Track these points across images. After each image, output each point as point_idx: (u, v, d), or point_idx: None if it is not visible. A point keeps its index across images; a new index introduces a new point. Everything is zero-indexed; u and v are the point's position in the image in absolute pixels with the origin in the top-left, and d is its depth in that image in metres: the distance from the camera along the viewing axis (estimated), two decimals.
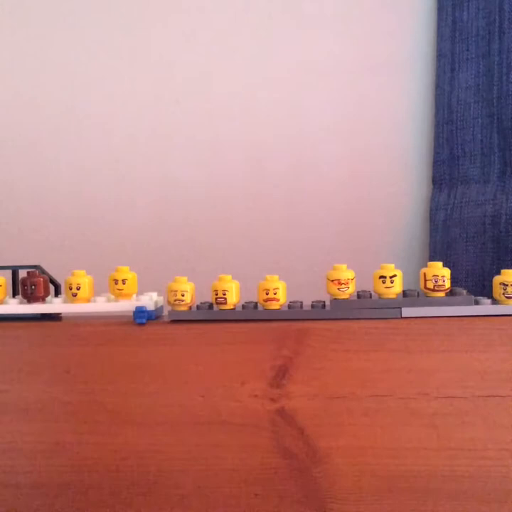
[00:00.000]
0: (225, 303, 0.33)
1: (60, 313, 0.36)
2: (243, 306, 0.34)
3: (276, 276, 0.34)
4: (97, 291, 0.36)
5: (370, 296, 0.33)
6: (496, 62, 0.45)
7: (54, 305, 0.35)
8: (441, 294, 0.33)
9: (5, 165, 0.55)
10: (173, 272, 0.36)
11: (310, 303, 0.34)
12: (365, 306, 0.33)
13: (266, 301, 0.33)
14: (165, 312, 0.36)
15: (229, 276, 0.34)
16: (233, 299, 0.34)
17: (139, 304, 0.34)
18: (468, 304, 0.32)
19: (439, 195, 0.49)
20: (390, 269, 0.33)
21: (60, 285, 0.37)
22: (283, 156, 0.53)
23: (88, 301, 0.35)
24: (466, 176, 0.48)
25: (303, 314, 0.33)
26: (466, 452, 0.32)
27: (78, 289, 0.34)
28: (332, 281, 0.33)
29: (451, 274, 0.33)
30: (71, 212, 0.55)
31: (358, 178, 0.53)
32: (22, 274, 0.36)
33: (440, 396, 0.32)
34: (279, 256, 0.53)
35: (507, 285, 0.32)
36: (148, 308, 0.34)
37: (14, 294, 0.37)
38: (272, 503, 0.33)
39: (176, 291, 0.34)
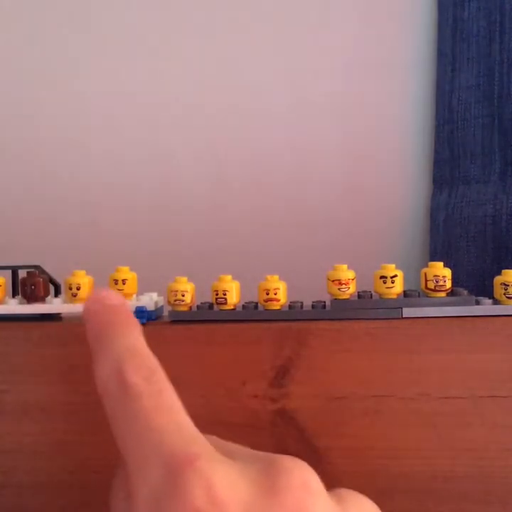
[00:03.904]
0: (226, 303, 0.33)
1: (60, 314, 0.36)
2: (243, 307, 0.34)
3: (276, 277, 0.34)
4: None
5: (371, 297, 0.33)
6: (497, 62, 0.45)
7: (54, 305, 0.35)
8: (442, 294, 0.33)
9: (4, 165, 0.55)
10: (173, 272, 0.36)
11: (310, 303, 0.34)
12: (366, 306, 0.33)
13: (266, 301, 0.33)
14: (165, 312, 0.36)
15: (229, 277, 0.34)
16: (233, 299, 0.33)
17: (139, 304, 0.34)
18: (469, 304, 0.32)
19: (440, 195, 0.49)
20: (390, 269, 0.33)
21: (60, 285, 0.37)
22: (283, 155, 0.53)
23: None
24: (467, 176, 0.48)
25: (303, 314, 0.33)
26: (467, 453, 0.32)
27: (78, 289, 0.34)
28: (332, 281, 0.33)
29: (452, 274, 0.33)
30: (71, 213, 0.55)
31: (358, 178, 0.53)
32: (22, 274, 0.36)
33: (441, 396, 0.32)
34: (280, 256, 0.53)
35: (508, 285, 0.32)
36: (148, 309, 0.34)
37: (14, 294, 0.37)
38: None
39: (176, 291, 0.34)
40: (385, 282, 0.33)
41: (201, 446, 0.20)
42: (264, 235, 0.53)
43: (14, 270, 0.37)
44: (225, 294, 0.33)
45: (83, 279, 0.34)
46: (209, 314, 0.34)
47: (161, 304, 0.36)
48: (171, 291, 0.34)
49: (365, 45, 0.52)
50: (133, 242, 0.54)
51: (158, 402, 0.21)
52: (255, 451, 0.22)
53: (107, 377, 0.22)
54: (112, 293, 0.25)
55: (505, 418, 0.31)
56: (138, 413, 0.21)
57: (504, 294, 0.32)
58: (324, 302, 0.34)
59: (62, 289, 0.36)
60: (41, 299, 0.35)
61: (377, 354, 0.32)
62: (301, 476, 0.19)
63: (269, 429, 0.32)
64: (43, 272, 0.36)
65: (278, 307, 0.33)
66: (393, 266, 0.33)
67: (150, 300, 0.35)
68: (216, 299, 0.33)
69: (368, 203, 0.52)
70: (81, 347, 0.33)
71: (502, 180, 0.46)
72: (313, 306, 0.34)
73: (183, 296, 0.34)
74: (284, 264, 0.52)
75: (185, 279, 0.34)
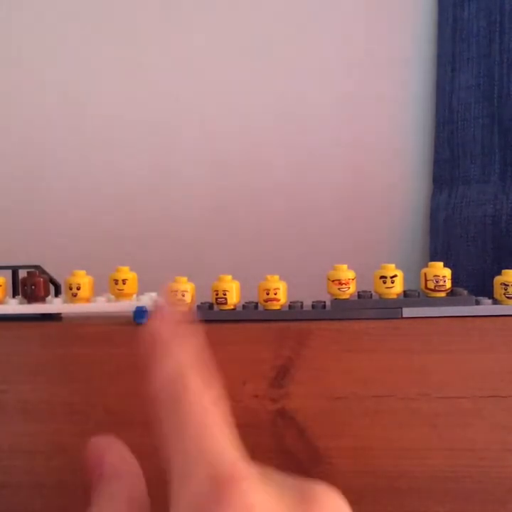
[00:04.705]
0: (226, 303, 0.33)
1: (60, 314, 0.36)
2: (243, 307, 0.34)
3: (276, 277, 0.34)
4: (97, 291, 0.35)
5: (371, 297, 0.33)
6: (496, 62, 0.45)
7: (54, 305, 0.35)
8: (442, 294, 0.33)
9: (4, 164, 0.55)
10: (173, 272, 0.36)
11: (310, 303, 0.34)
12: (366, 306, 0.33)
13: (266, 301, 0.33)
14: None
15: (229, 277, 0.34)
16: (233, 299, 0.33)
17: (139, 303, 0.34)
18: (469, 304, 0.32)
19: (440, 195, 0.49)
20: (390, 269, 0.33)
21: (60, 285, 0.37)
22: (283, 155, 0.53)
23: (88, 301, 0.35)
24: (467, 176, 0.48)
25: (303, 314, 0.33)
26: (467, 453, 0.32)
27: (78, 289, 0.34)
28: (333, 281, 0.33)
29: (452, 274, 0.33)
30: (71, 212, 0.55)
31: (358, 178, 0.53)
32: (22, 274, 0.36)
33: (441, 396, 0.32)
34: (280, 256, 0.53)
35: (508, 285, 0.32)
36: (148, 309, 0.34)
37: (14, 294, 0.37)
38: None
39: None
40: (384, 282, 0.33)
41: (246, 467, 0.20)
42: (264, 234, 0.53)
43: (14, 270, 0.37)
44: (225, 294, 0.33)
45: (83, 279, 0.34)
46: (209, 314, 0.34)
47: None
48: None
49: (365, 45, 0.52)
50: (133, 242, 0.54)
51: (212, 416, 0.22)
52: (288, 477, 0.23)
53: (166, 380, 0.23)
54: (176, 308, 0.26)
55: (505, 418, 0.31)
56: (192, 422, 0.21)
57: (504, 294, 0.32)
58: (324, 302, 0.34)
59: (63, 289, 0.36)
60: (41, 299, 0.35)
61: (377, 354, 0.32)
62: (333, 503, 0.20)
63: (269, 429, 0.32)
64: (43, 272, 0.36)
65: (278, 307, 0.33)
66: (393, 266, 0.33)
67: (150, 300, 0.35)
68: (216, 299, 0.33)
69: (368, 203, 0.52)
70: (81, 347, 0.34)
71: (502, 180, 0.46)
72: (313, 306, 0.34)
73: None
74: (284, 264, 0.52)
75: (185, 279, 0.34)
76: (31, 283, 0.34)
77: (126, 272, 0.34)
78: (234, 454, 0.21)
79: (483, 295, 0.34)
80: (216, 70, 0.53)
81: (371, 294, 0.33)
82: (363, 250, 0.52)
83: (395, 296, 0.33)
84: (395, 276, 0.33)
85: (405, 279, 0.33)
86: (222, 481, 0.19)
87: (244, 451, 0.21)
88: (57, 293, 0.37)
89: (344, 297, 0.33)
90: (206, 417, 0.21)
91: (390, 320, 0.32)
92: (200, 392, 0.22)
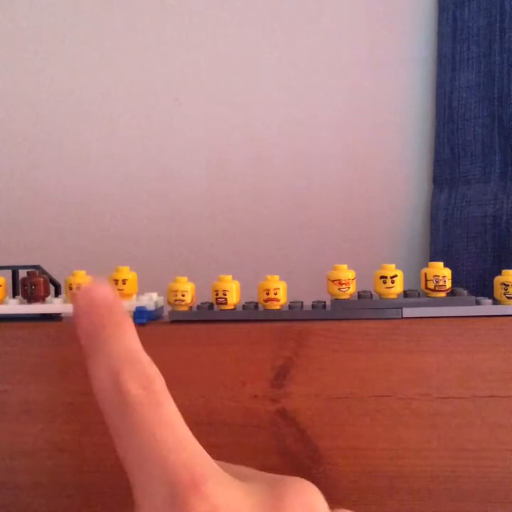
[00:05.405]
0: (226, 303, 0.33)
1: (60, 313, 0.36)
2: (243, 307, 0.34)
3: (276, 277, 0.34)
4: None
5: (371, 297, 0.33)
6: (497, 62, 0.45)
7: (54, 305, 0.35)
8: (442, 294, 0.33)
9: (5, 164, 0.55)
10: (173, 272, 0.36)
11: (311, 303, 0.34)
12: (366, 307, 0.33)
13: (266, 301, 0.33)
14: (165, 312, 0.36)
15: (229, 277, 0.34)
16: (233, 299, 0.33)
17: (139, 304, 0.34)
18: (469, 304, 0.32)
19: (440, 195, 0.49)
20: (390, 269, 0.33)
21: (60, 285, 0.37)
22: (284, 155, 0.53)
23: None
24: (467, 176, 0.48)
25: (303, 314, 0.33)
26: (467, 453, 0.32)
27: (78, 289, 0.34)
28: (333, 281, 0.33)
29: (452, 274, 0.33)
30: (71, 213, 0.55)
31: (359, 178, 0.53)
32: (22, 274, 0.36)
33: (441, 396, 0.32)
34: (280, 256, 0.53)
35: (508, 285, 0.32)
36: (148, 309, 0.34)
37: (14, 294, 0.37)
38: None
39: (177, 291, 0.34)
40: (385, 282, 0.33)
41: (206, 466, 0.19)
42: (264, 234, 0.53)
43: (14, 270, 0.37)
44: (225, 294, 0.33)
45: (83, 279, 0.34)
46: (209, 314, 0.34)
47: (161, 304, 0.36)
48: (171, 291, 0.34)
49: (365, 45, 0.52)
50: (133, 242, 0.54)
51: (159, 415, 0.20)
52: (262, 472, 0.22)
53: (103, 385, 0.20)
54: (103, 288, 0.22)
55: (505, 418, 0.31)
56: (139, 426, 0.19)
57: (504, 294, 0.32)
58: (324, 302, 0.34)
59: (63, 289, 0.36)
60: (41, 298, 0.35)
61: (377, 354, 0.32)
62: (306, 497, 0.20)
63: (269, 429, 0.32)
64: (43, 272, 0.36)
65: (278, 307, 0.33)
66: (393, 266, 0.33)
67: (150, 300, 0.35)
68: (216, 299, 0.33)
69: (368, 203, 0.52)
70: (81, 347, 0.34)
71: (502, 180, 0.46)
72: (313, 306, 0.34)
73: (183, 296, 0.34)
74: (284, 264, 0.52)
75: (185, 279, 0.34)
76: (31, 283, 0.34)
77: (126, 272, 0.34)
78: (191, 452, 0.19)
79: (483, 295, 0.34)
80: (217, 70, 0.53)
81: (371, 294, 0.33)
82: (363, 250, 0.52)
83: (395, 296, 0.33)
84: (395, 276, 0.33)
85: (405, 279, 0.33)
86: (181, 487, 0.18)
87: (202, 445, 0.20)
88: (57, 293, 0.37)
89: (344, 297, 0.33)
90: (152, 420, 0.19)
91: (390, 320, 0.32)
92: (140, 394, 0.20)
